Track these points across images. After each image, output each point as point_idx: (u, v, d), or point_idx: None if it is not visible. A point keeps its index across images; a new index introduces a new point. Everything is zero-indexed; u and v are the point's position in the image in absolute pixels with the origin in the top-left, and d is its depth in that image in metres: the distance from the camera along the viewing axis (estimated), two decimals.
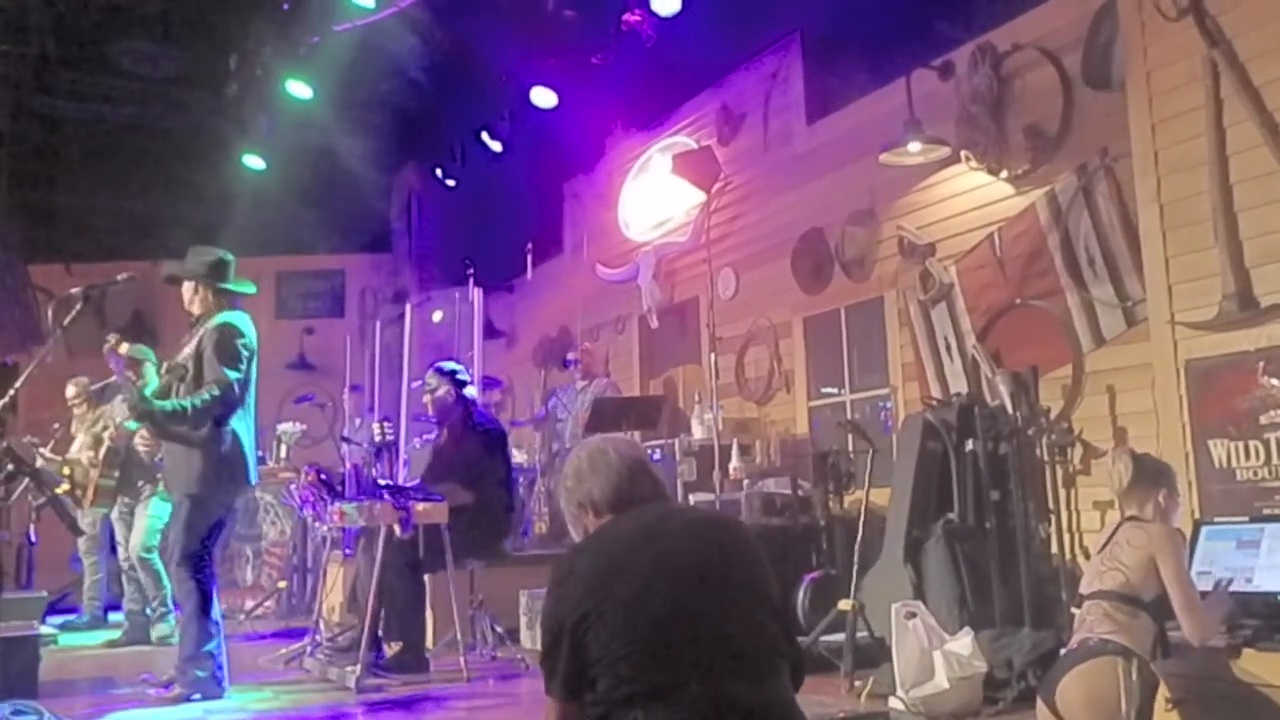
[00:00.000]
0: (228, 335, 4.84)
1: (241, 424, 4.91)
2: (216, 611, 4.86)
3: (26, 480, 4.61)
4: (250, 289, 5.25)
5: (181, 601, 4.85)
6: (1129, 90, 4.87)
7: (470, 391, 5.81)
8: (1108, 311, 5.49)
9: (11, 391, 4.52)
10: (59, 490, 6.98)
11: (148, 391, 4.89)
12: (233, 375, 4.77)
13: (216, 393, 4.74)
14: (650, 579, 2.07)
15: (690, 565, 2.12)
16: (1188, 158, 4.53)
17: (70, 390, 7.48)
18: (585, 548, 2.24)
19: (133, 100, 10.87)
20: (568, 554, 2.24)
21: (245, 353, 4.87)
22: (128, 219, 12.26)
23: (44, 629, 5.87)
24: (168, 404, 4.74)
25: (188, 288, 5.09)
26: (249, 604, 8.05)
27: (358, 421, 8.97)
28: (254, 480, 5.12)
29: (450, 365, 5.90)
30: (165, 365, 5.09)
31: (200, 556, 4.81)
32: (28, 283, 11.56)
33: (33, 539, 7.17)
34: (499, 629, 5.69)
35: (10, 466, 4.32)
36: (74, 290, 4.83)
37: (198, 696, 4.71)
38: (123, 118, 11.17)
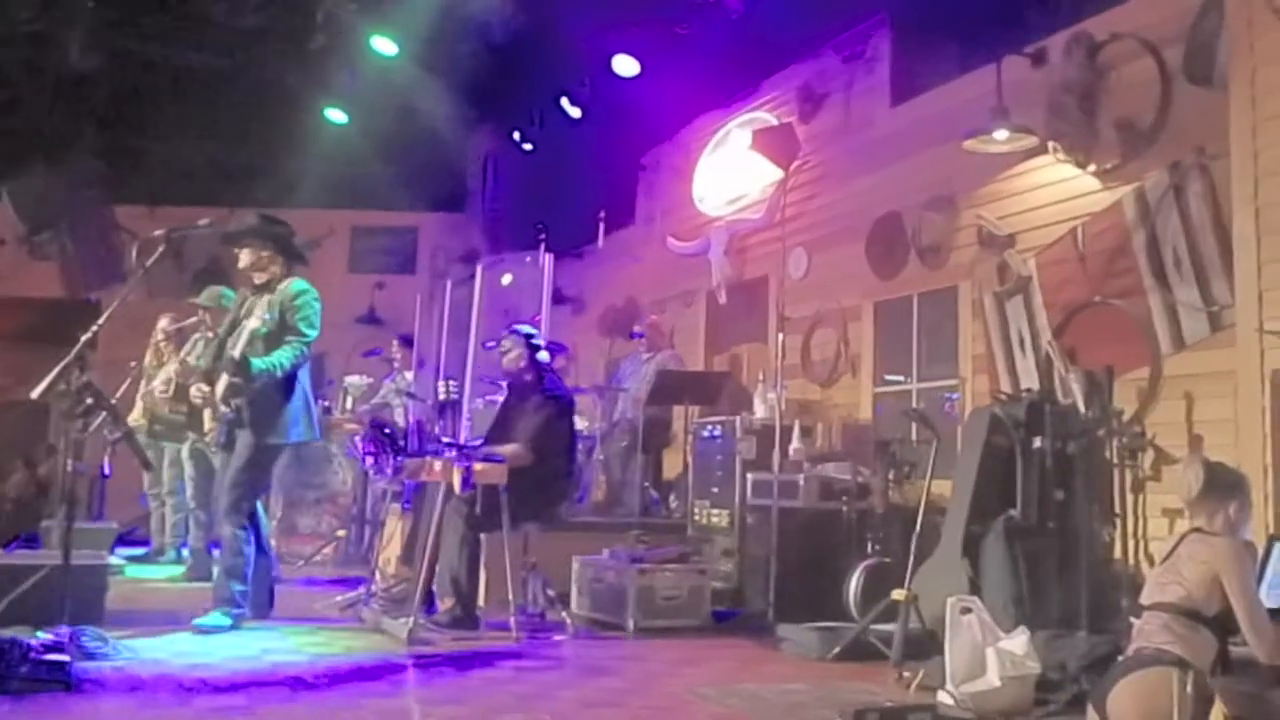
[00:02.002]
0: (310, 299, 5.28)
1: (306, 379, 5.34)
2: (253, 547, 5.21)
3: (103, 414, 4.75)
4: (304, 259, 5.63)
5: (230, 539, 5.16)
6: (1231, 87, 4.71)
7: (543, 356, 5.83)
8: (1191, 315, 5.33)
9: (94, 328, 4.65)
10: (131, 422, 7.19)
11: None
12: (313, 335, 5.23)
13: (302, 350, 5.18)
14: None
15: None
16: None
17: (163, 321, 7.69)
18: None
19: (221, 49, 10.99)
20: None
21: (317, 318, 5.30)
22: (211, 165, 12.45)
23: (112, 559, 6.06)
24: (263, 361, 5.09)
25: (254, 254, 5.32)
26: (308, 550, 8.22)
27: (408, 375, 9.05)
28: (319, 434, 5.66)
29: (526, 329, 5.93)
30: (242, 327, 5.25)
31: (254, 499, 5.24)
32: (113, 223, 11.86)
33: (106, 472, 7.39)
34: (550, 592, 5.74)
35: (89, 400, 4.45)
36: (157, 233, 4.98)
37: (228, 610, 5.05)
38: (210, 66, 11.30)
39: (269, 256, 5.34)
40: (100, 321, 4.75)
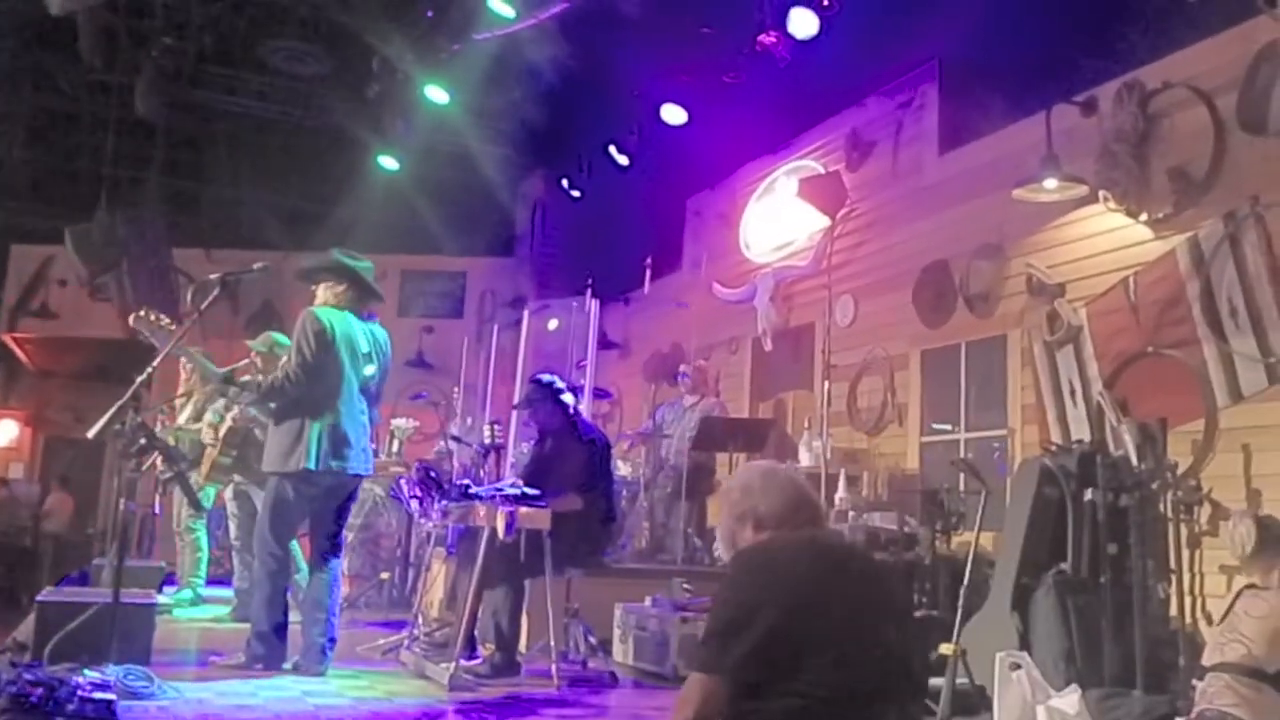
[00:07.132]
0: (301, 323, 5.03)
1: (318, 411, 4.98)
2: (284, 592, 5.09)
3: (156, 454, 4.82)
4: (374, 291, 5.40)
5: (258, 580, 5.11)
6: None
7: (567, 399, 5.82)
8: (1248, 366, 5.23)
9: (149, 369, 4.74)
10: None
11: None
12: (296, 360, 4.95)
13: (280, 376, 5.01)
14: (853, 610, 2.22)
15: (879, 602, 2.33)
16: None
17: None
18: (776, 549, 2.34)
19: (279, 98, 11.30)
20: (758, 548, 2.35)
21: (313, 341, 4.95)
22: (267, 211, 12.74)
23: (160, 599, 6.10)
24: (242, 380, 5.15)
25: (328, 289, 5.28)
26: (352, 592, 8.24)
27: (469, 421, 9.12)
28: (314, 466, 4.92)
29: (547, 377, 5.91)
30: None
31: (272, 536, 5.02)
32: (171, 266, 12.14)
33: (157, 511, 7.47)
34: (593, 639, 5.70)
35: (143, 440, 4.52)
36: (212, 276, 5.06)
37: (259, 666, 4.94)
38: (269, 114, 11.62)
39: (339, 292, 5.24)
40: (155, 363, 4.85)
